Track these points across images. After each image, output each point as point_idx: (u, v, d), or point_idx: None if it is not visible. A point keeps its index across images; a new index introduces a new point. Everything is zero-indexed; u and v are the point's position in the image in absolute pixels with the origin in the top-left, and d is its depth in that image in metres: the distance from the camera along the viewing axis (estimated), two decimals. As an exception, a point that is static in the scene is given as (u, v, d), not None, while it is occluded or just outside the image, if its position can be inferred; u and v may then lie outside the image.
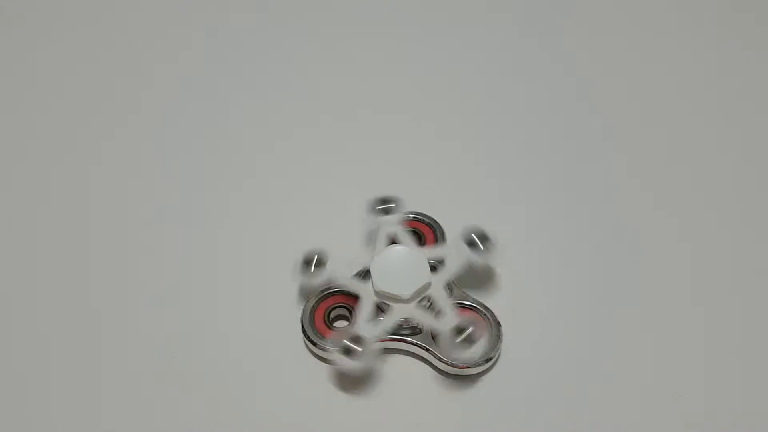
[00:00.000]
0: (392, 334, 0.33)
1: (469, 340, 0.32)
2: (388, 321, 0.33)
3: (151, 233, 0.37)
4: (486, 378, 0.33)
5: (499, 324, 0.33)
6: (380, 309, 0.33)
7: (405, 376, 0.33)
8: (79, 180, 0.38)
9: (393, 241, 0.34)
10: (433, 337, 0.33)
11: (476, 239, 0.34)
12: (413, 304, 0.33)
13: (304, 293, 0.35)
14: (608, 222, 0.37)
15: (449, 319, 0.32)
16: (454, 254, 0.34)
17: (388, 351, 0.34)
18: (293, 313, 0.34)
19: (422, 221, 0.36)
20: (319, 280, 0.33)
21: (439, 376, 0.33)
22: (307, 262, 0.34)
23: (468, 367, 0.33)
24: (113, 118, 0.40)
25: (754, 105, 0.40)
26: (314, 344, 0.33)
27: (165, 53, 0.43)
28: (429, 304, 0.33)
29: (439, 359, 0.33)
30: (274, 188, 0.38)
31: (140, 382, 0.34)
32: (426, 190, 0.37)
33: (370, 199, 0.35)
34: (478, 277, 0.35)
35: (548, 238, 0.37)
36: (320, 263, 0.33)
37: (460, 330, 0.32)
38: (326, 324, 0.34)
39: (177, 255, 0.36)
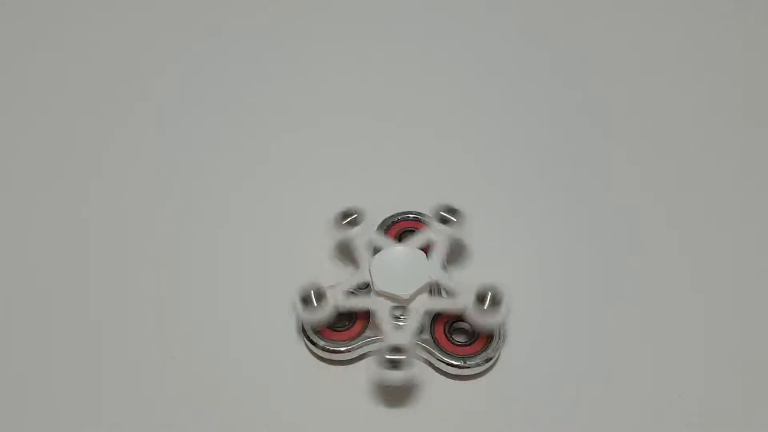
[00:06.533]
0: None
1: (496, 302, 0.31)
2: (412, 322, 0.32)
3: (151, 233, 0.37)
4: (486, 378, 0.33)
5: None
6: (395, 316, 0.33)
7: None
8: (78, 179, 0.38)
9: (376, 249, 0.34)
10: (462, 317, 0.32)
11: (446, 214, 0.34)
12: (426, 296, 0.32)
13: (310, 328, 0.34)
14: (609, 223, 0.37)
15: (466, 292, 0.32)
16: (435, 235, 0.34)
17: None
18: (293, 312, 0.34)
19: (422, 222, 0.36)
20: (322, 314, 0.32)
21: (439, 376, 0.33)
22: (305, 300, 0.32)
23: (468, 367, 0.33)
24: (113, 118, 0.40)
25: (754, 105, 0.40)
26: (314, 344, 0.33)
27: (165, 53, 0.42)
28: (438, 289, 0.33)
29: (439, 359, 0.33)
30: (274, 188, 0.38)
31: (140, 382, 0.34)
32: (426, 190, 0.37)
33: (333, 216, 0.34)
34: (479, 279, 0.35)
35: (549, 238, 0.37)
36: (320, 296, 0.32)
37: (481, 297, 0.32)
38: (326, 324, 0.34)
39: (177, 255, 0.36)
